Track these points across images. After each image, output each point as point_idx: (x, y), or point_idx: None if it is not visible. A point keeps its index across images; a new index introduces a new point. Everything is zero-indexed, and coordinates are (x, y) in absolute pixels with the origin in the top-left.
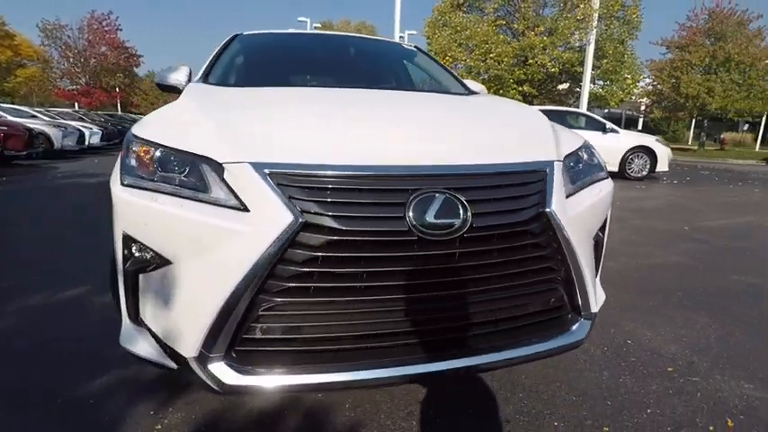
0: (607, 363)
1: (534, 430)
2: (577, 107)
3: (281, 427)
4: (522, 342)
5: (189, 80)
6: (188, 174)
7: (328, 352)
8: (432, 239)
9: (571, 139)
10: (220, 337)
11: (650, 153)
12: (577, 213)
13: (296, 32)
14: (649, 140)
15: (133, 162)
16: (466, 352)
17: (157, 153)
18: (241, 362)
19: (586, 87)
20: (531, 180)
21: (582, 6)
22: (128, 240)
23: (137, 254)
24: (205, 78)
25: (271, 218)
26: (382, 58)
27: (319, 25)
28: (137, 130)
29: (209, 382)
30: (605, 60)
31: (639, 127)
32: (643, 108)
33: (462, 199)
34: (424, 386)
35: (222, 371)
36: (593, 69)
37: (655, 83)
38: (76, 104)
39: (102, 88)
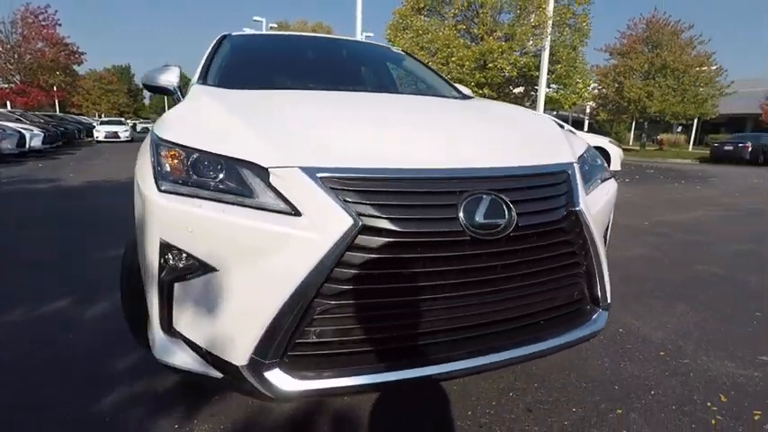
0: (606, 350)
1: (556, 417)
2: (533, 110)
3: None
4: (554, 333)
5: (180, 82)
6: (226, 178)
7: (382, 351)
8: (482, 239)
9: (579, 142)
10: (274, 344)
11: (604, 153)
12: (596, 211)
13: (287, 34)
14: (603, 141)
15: (167, 167)
16: (510, 344)
17: (193, 157)
18: (294, 367)
19: (542, 91)
20: (559, 181)
21: (537, 14)
22: (166, 248)
23: (174, 262)
24: (205, 79)
25: (329, 221)
26: (380, 62)
27: (275, 25)
28: (163, 132)
29: (261, 390)
30: (559, 65)
31: (585, 128)
32: (588, 110)
33: (507, 200)
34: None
35: (276, 377)
36: (547, 74)
37: (600, 87)
38: (9, 104)
39: (40, 87)
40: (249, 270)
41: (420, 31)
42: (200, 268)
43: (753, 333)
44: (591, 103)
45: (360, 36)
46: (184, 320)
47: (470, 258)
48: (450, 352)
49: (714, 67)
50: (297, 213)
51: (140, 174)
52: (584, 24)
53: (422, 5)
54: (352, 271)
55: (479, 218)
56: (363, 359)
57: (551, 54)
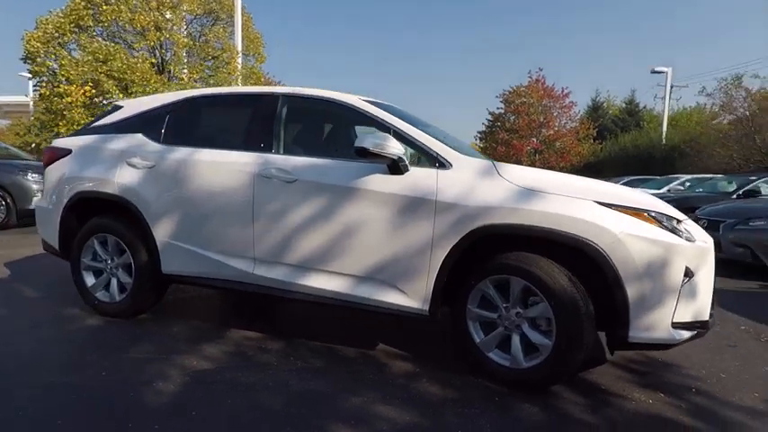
0: None
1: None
2: None
3: None
4: None
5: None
6: (676, 225)
7: None
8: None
9: None
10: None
11: None
12: None
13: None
14: None
15: (672, 222)
16: None
17: (652, 215)
18: None
19: None
20: None
21: (230, 65)
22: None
23: (687, 278)
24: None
25: (707, 241)
26: None
27: None
28: (623, 201)
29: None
30: None
31: None
32: None
33: None
34: None
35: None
36: None
37: None
38: None
39: None
40: (702, 270)
41: (101, 56)
42: (692, 276)
43: None
44: None
45: None
46: (680, 311)
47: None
48: None
49: None
50: (693, 240)
51: (636, 233)
52: (260, 79)
53: (89, 24)
54: None
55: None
56: None
57: None
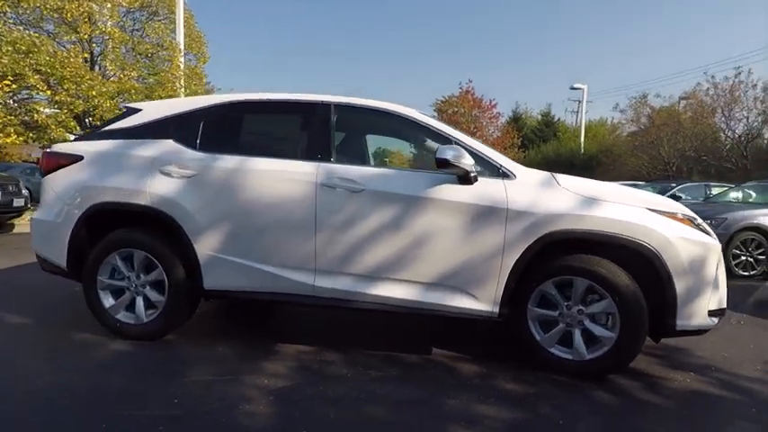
0: None
1: None
2: None
3: None
4: None
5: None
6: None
7: None
8: None
9: None
10: None
11: None
12: None
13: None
14: None
15: (694, 223)
16: None
17: (684, 217)
18: None
19: None
20: None
21: (173, 63)
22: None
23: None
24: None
25: (717, 238)
26: None
27: None
28: (665, 207)
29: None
30: None
31: None
32: None
33: None
34: None
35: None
36: None
37: None
38: None
39: None
40: (721, 264)
41: (26, 48)
42: (718, 269)
43: None
44: None
45: None
46: (712, 300)
47: None
48: None
49: None
50: (712, 236)
51: (682, 235)
52: (202, 80)
53: (5, 9)
54: None
55: None
56: None
57: None
